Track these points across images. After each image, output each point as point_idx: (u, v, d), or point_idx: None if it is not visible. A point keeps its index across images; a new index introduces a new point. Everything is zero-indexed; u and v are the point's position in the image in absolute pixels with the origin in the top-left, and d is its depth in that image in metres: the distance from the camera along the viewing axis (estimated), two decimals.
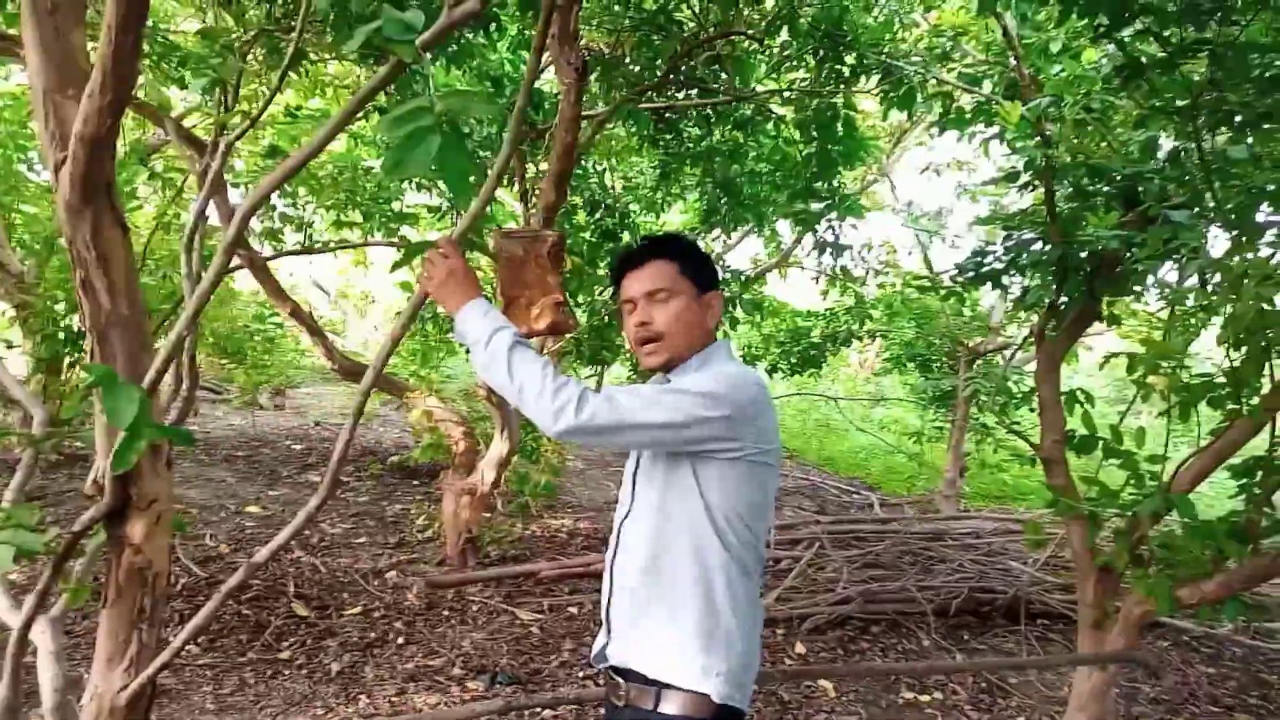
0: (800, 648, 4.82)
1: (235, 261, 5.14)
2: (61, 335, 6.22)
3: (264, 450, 8.81)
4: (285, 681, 3.99)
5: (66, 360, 6.42)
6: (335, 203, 5.98)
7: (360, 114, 2.87)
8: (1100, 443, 3.21)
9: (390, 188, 6.00)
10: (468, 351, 1.92)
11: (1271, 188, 2.92)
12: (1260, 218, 3.03)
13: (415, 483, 7.98)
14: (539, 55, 1.86)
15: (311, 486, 7.56)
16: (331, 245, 6.60)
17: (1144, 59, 2.65)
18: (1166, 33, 2.54)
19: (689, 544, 1.80)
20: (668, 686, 1.79)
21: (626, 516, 1.94)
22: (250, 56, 3.69)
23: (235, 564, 5.29)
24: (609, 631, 1.95)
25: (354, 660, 4.23)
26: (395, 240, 6.57)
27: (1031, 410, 4.38)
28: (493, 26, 3.60)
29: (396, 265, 2.07)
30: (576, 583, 5.54)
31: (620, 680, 1.89)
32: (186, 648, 2.71)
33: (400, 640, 4.51)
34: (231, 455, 8.34)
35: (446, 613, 4.99)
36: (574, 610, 5.13)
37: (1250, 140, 2.90)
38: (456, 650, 4.44)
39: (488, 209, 1.98)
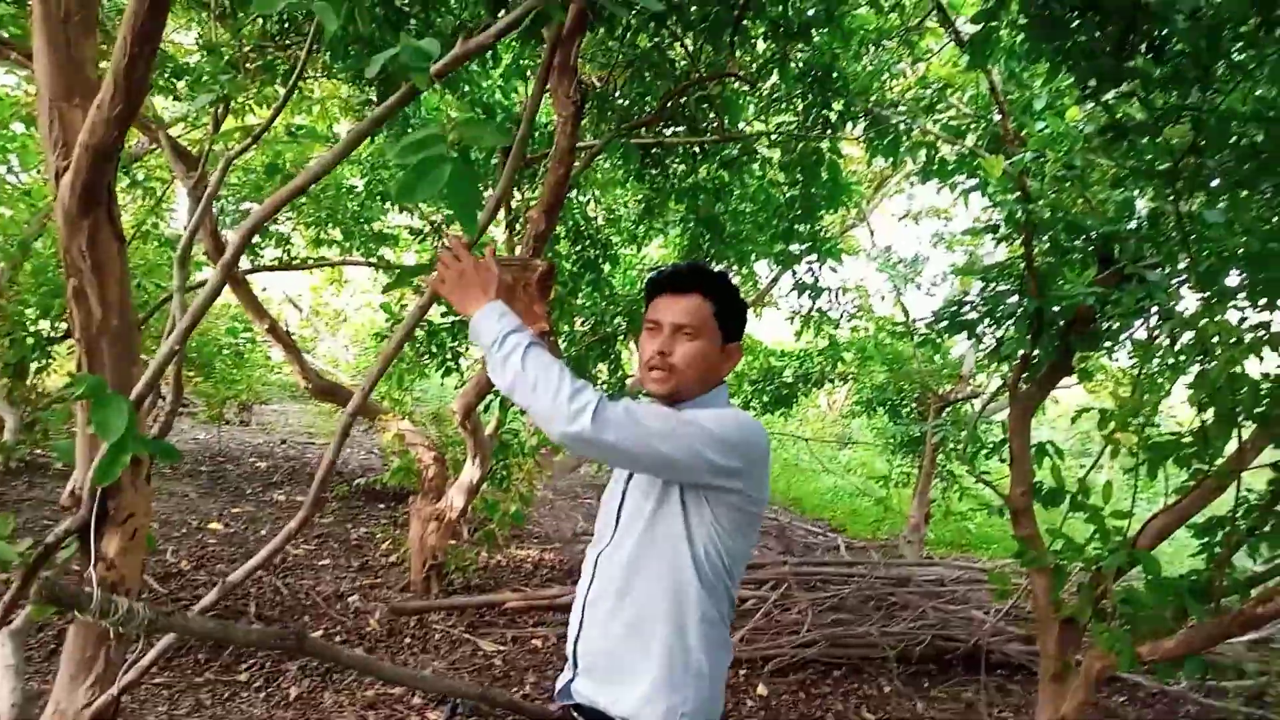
0: (762, 689, 4.81)
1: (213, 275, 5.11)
2: (30, 340, 6.13)
3: (228, 466, 8.71)
4: (242, 705, 3.93)
5: (34, 366, 6.33)
6: (316, 220, 5.97)
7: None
8: (1067, 496, 3.25)
9: (372, 208, 6.01)
10: (452, 358, 1.90)
11: (1243, 252, 2.99)
12: (1231, 281, 3.10)
13: (381, 506, 7.91)
14: (542, 87, 1.89)
15: (276, 505, 7.48)
16: (310, 262, 6.59)
17: (1127, 121, 2.72)
18: (1150, 97, 2.61)
19: (668, 583, 1.79)
20: None
21: (606, 548, 1.91)
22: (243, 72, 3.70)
23: (196, 581, 5.22)
24: (575, 666, 1.91)
25: (313, 685, 4.17)
26: (374, 260, 6.57)
27: (1001, 460, 4.43)
28: (489, 54, 3.64)
29: (389, 288, 2.07)
30: (541, 615, 5.50)
31: (582, 719, 1.86)
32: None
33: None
34: (195, 470, 8.24)
35: (408, 640, 4.94)
36: (537, 643, 5.09)
37: (1225, 205, 2.98)
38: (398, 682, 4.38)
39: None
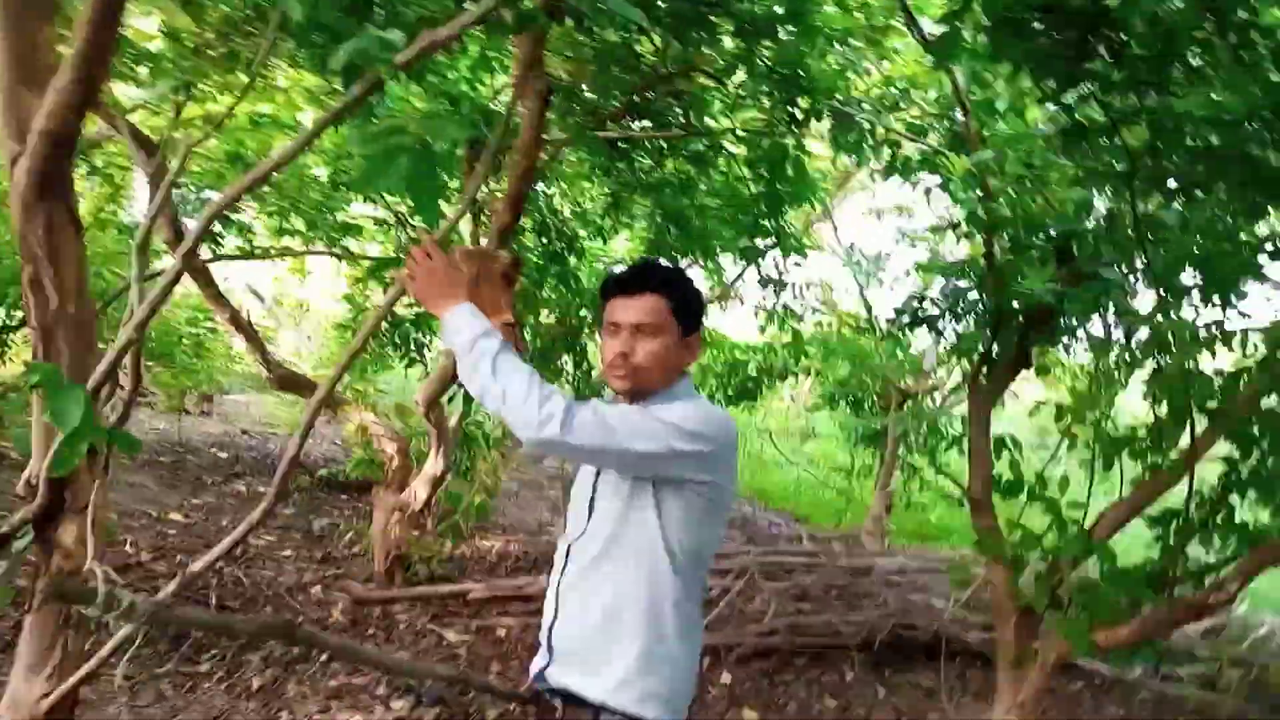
0: (726, 676, 4.85)
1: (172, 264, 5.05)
2: None
3: (189, 457, 8.62)
4: (204, 695, 3.90)
5: None
6: (279, 209, 5.91)
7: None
8: (1025, 487, 3.31)
9: (336, 198, 5.96)
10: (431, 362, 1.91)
11: (1198, 252, 3.06)
12: (1186, 280, 3.18)
13: (344, 497, 7.86)
14: (519, 85, 1.90)
15: (237, 496, 7.41)
16: (272, 251, 6.53)
17: (1086, 123, 2.77)
18: (1109, 99, 2.66)
19: (641, 569, 1.83)
20: (605, 710, 1.80)
21: (579, 538, 1.94)
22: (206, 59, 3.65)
23: (155, 572, 5.17)
24: (549, 652, 1.95)
25: (276, 676, 4.15)
26: (337, 251, 6.52)
27: (961, 453, 4.51)
28: (456, 45, 3.62)
29: (358, 280, 2.08)
30: (505, 605, 5.51)
31: (557, 703, 1.90)
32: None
33: (324, 657, 4.44)
34: (154, 460, 8.14)
35: (372, 631, 4.93)
36: (502, 633, 5.10)
37: (1180, 206, 3.05)
38: (381, 668, 4.38)
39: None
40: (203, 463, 8.47)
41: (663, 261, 2.22)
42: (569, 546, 1.98)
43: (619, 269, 2.11)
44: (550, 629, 1.96)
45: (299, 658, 4.37)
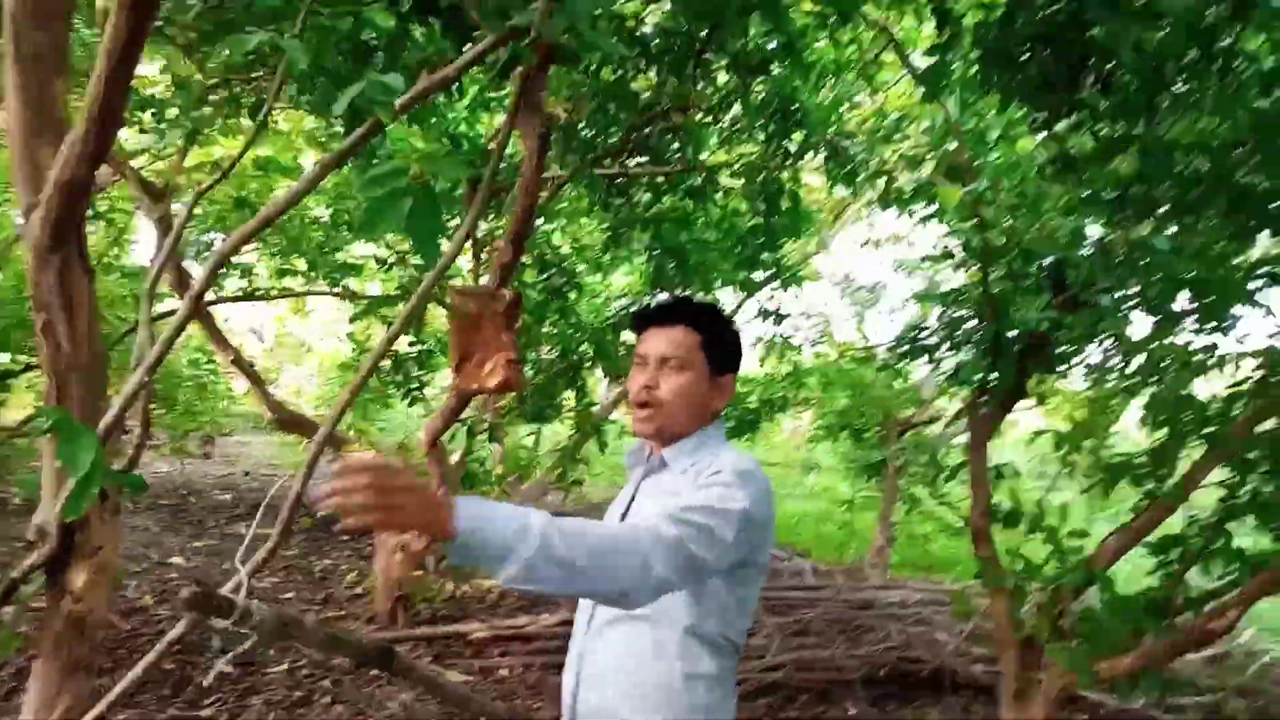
0: None
1: (181, 308, 5.08)
2: None
3: (190, 499, 8.61)
4: None
5: None
6: (280, 250, 5.96)
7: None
8: (1025, 517, 3.32)
9: (337, 238, 6.01)
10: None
11: (1190, 277, 3.09)
12: (1178, 306, 3.20)
13: (345, 538, 7.84)
14: (511, 124, 1.93)
15: (239, 539, 7.38)
16: (274, 292, 6.57)
17: (1077, 151, 2.81)
18: (1099, 128, 2.70)
19: (670, 644, 1.71)
20: None
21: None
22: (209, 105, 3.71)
23: (159, 617, 5.15)
24: None
25: (279, 719, 4.13)
26: (338, 290, 6.57)
27: (961, 483, 4.51)
28: (454, 86, 3.67)
29: (357, 319, 2.10)
30: (507, 645, 5.48)
31: None
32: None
33: (327, 699, 4.42)
34: (157, 504, 8.14)
35: (374, 672, 4.90)
36: (504, 673, 5.07)
37: (1172, 232, 3.08)
38: (384, 711, 4.36)
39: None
40: (205, 505, 8.46)
41: (700, 296, 2.08)
42: (592, 613, 1.82)
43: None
44: (574, 701, 1.81)
45: (301, 701, 4.35)
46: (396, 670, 2.65)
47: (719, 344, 1.84)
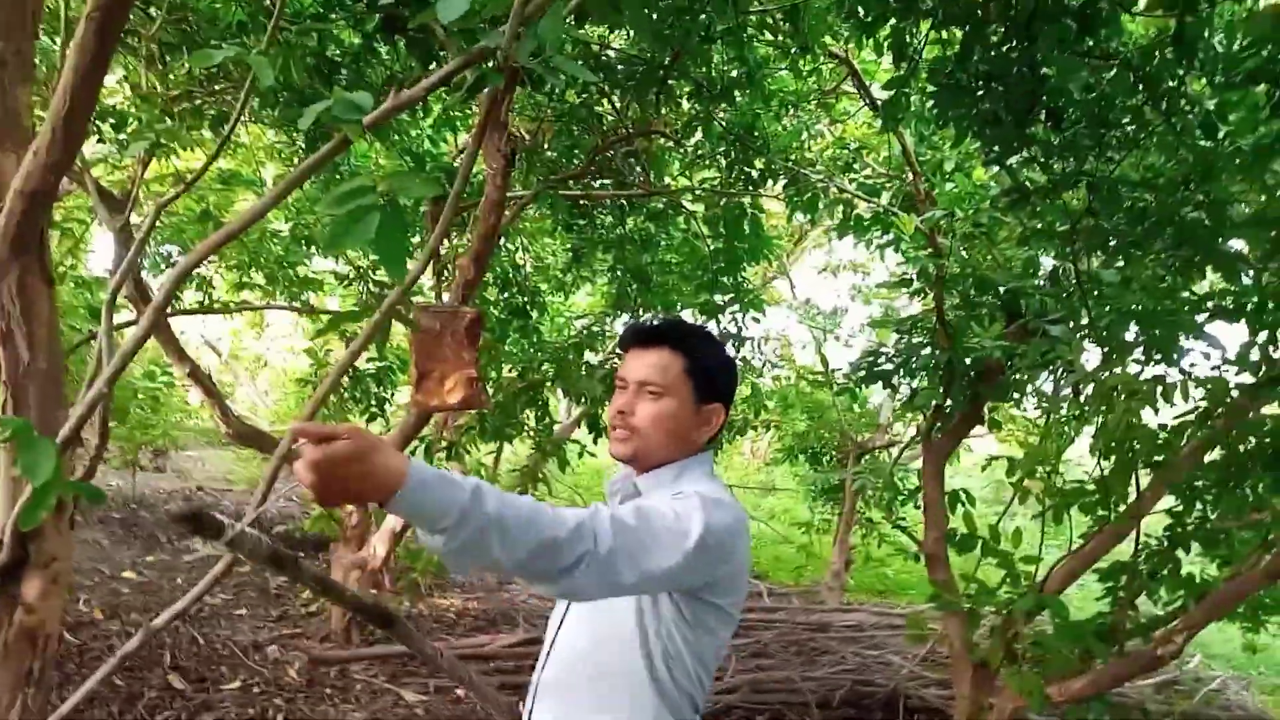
0: None
1: (131, 317, 5.03)
2: None
3: (142, 513, 8.45)
4: None
5: None
6: (239, 264, 5.91)
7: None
8: (979, 541, 3.36)
9: (297, 253, 5.97)
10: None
11: (1139, 309, 3.16)
12: (1129, 336, 3.27)
13: (301, 554, 7.72)
14: (478, 145, 1.94)
15: (191, 554, 7.28)
16: (232, 306, 6.51)
17: (1030, 185, 2.88)
18: (1050, 162, 2.77)
19: (625, 692, 1.63)
20: None
21: (561, 625, 1.77)
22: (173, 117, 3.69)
23: (109, 631, 5.05)
24: None
25: None
26: (298, 305, 6.52)
27: (917, 507, 4.56)
28: (419, 105, 3.70)
29: (319, 334, 2.09)
30: (464, 664, 5.44)
31: None
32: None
33: (280, 718, 4.36)
34: (108, 517, 7.98)
35: (329, 690, 4.84)
36: (460, 692, 5.03)
37: (1121, 264, 3.15)
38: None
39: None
40: (157, 519, 8.30)
41: (691, 321, 1.92)
42: (557, 627, 1.77)
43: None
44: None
45: (254, 718, 4.29)
46: (397, 632, 2.65)
47: (706, 370, 1.72)
